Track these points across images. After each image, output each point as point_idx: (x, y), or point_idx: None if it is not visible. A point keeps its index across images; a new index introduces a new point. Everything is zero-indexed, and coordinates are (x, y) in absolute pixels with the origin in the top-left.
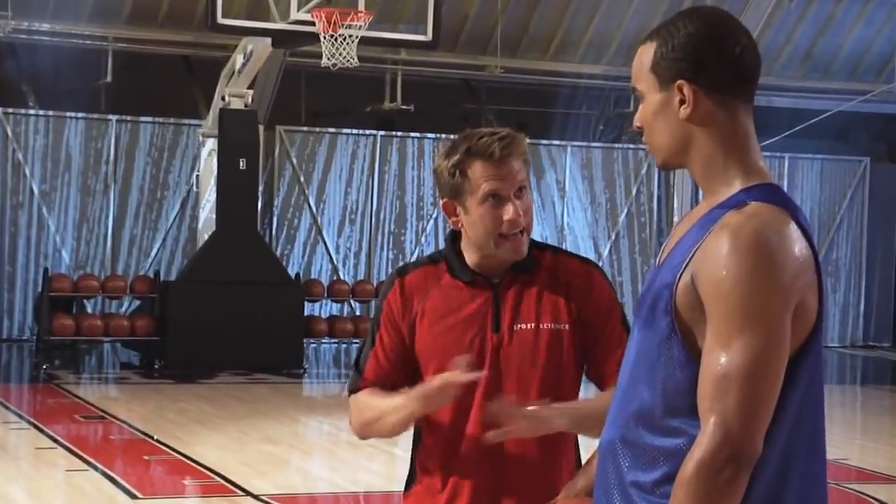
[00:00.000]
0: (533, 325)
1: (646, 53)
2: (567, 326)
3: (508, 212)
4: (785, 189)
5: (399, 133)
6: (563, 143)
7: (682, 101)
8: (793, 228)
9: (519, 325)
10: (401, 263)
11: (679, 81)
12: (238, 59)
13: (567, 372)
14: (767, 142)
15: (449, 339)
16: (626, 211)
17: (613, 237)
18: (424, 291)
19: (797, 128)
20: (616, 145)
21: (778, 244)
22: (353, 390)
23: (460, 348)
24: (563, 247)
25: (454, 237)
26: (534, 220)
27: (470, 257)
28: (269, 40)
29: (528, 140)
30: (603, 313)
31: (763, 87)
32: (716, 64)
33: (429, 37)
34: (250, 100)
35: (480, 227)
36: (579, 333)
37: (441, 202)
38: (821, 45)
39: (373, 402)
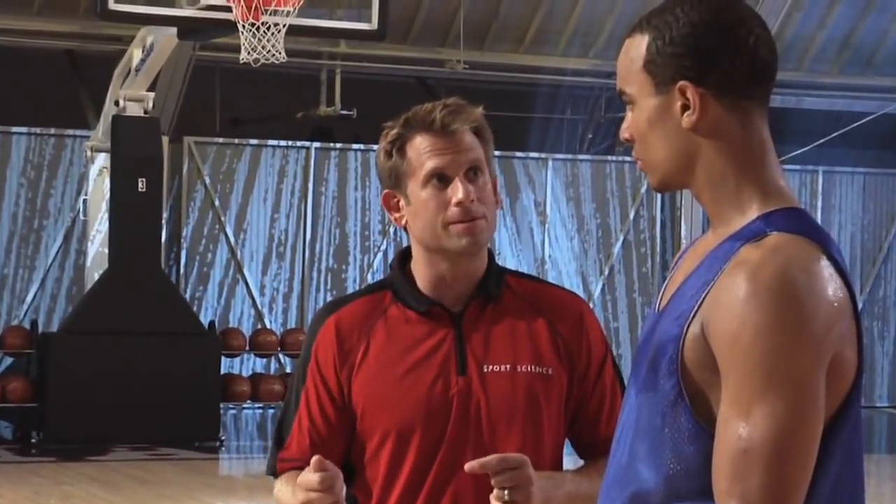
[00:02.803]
0: (508, 366)
1: (635, 48)
2: (551, 371)
3: (457, 193)
4: (819, 211)
5: (338, 144)
6: (543, 155)
7: (684, 107)
8: (824, 265)
9: (490, 367)
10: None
11: (681, 83)
12: (135, 53)
13: (548, 430)
14: (796, 152)
15: (402, 387)
16: (621, 240)
17: (607, 272)
18: (366, 327)
19: (833, 135)
20: (609, 158)
21: (807, 286)
22: (272, 472)
23: (417, 397)
24: None
25: (402, 259)
26: (496, 216)
27: (423, 279)
28: (174, 30)
29: (499, 152)
30: (597, 361)
31: (790, 84)
32: (726, 59)
33: (374, 25)
34: (151, 105)
35: (424, 215)
36: (566, 383)
37: (382, 196)
38: (862, 31)
39: (283, 497)
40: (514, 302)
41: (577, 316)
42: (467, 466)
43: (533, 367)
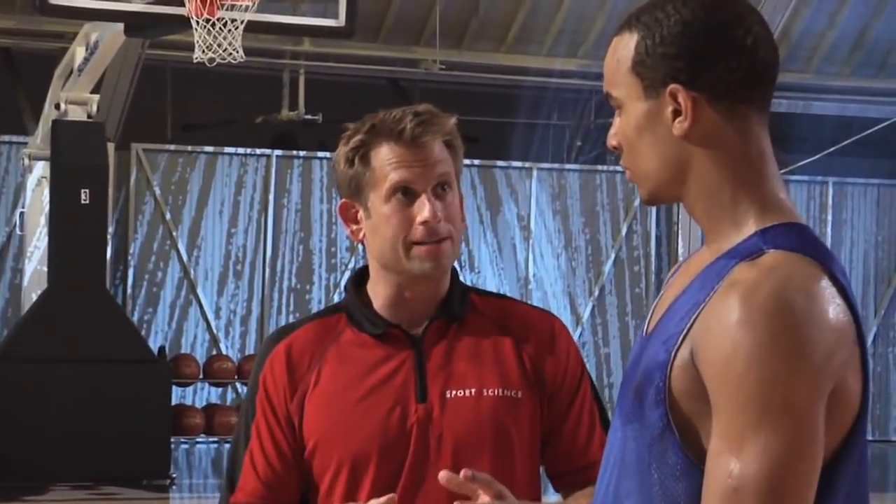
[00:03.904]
0: (473, 390)
1: (623, 48)
2: (521, 394)
3: (423, 211)
4: (829, 226)
5: (302, 153)
6: (527, 164)
7: (676, 113)
8: (825, 286)
9: (453, 392)
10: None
11: (672, 86)
12: (78, 52)
13: (520, 459)
14: (804, 162)
15: (356, 417)
16: (613, 257)
17: (597, 293)
18: (318, 353)
19: (845, 142)
20: (599, 167)
21: (806, 309)
22: None
23: (372, 427)
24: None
25: (358, 279)
26: (462, 229)
27: (380, 299)
28: (120, 27)
29: (479, 161)
30: (571, 381)
31: (797, 87)
32: (722, 60)
33: (341, 22)
34: (95, 108)
35: (384, 232)
36: (538, 406)
37: (339, 205)
38: (875, 29)
39: None
40: (478, 321)
41: (547, 334)
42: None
43: (500, 390)
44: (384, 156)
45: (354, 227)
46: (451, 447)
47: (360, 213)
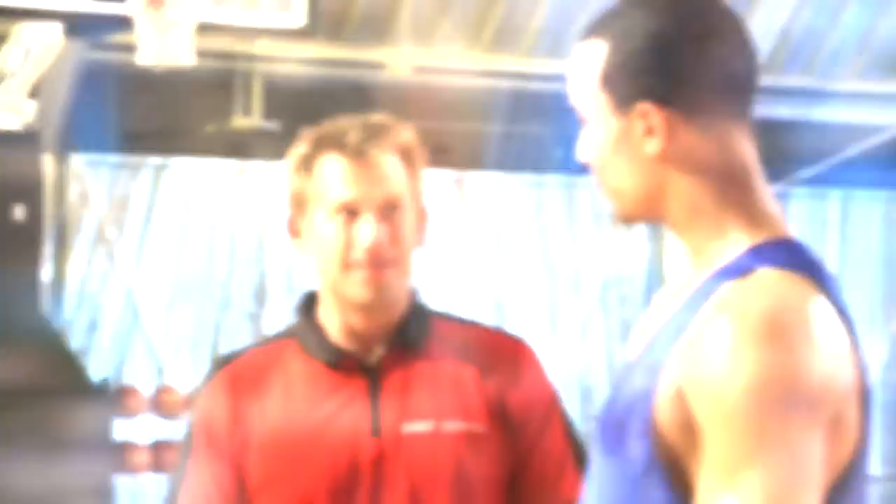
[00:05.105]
0: (431, 424)
1: (589, 57)
2: (484, 428)
3: (364, 234)
4: (833, 244)
5: (258, 163)
6: (504, 174)
7: (648, 131)
8: (823, 307)
9: (410, 426)
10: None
11: (642, 104)
12: (12, 53)
13: (483, 497)
14: (806, 174)
15: (303, 454)
16: (599, 277)
17: (581, 318)
18: (262, 384)
19: (851, 152)
20: (583, 178)
21: (802, 332)
22: None
23: (321, 465)
24: None
25: (309, 302)
26: (417, 251)
27: (331, 324)
28: (59, 26)
29: (450, 171)
30: (539, 413)
31: (798, 92)
32: (697, 76)
33: (302, 19)
34: (31, 115)
35: (325, 252)
36: (503, 439)
37: (286, 221)
38: (883, 28)
39: None
40: (440, 349)
41: (512, 361)
42: None
43: (461, 424)
44: (327, 169)
45: (300, 244)
46: (407, 487)
47: (305, 231)
